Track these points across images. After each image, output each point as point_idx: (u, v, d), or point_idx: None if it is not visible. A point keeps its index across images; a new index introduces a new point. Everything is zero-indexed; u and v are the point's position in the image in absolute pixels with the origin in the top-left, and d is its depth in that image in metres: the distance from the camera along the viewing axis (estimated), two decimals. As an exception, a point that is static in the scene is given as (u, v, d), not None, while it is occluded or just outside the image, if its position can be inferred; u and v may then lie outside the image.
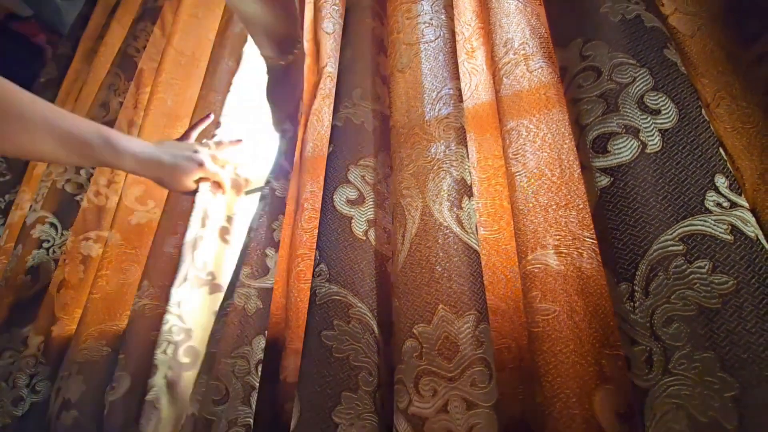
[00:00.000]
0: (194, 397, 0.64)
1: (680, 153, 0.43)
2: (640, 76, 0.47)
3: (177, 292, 0.79)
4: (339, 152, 0.68)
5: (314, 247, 0.64)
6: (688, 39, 0.56)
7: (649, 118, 0.45)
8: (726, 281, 0.37)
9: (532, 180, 0.55)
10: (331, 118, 0.75)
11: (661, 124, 0.45)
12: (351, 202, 0.64)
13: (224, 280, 0.84)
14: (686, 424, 0.35)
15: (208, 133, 0.96)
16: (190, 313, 0.80)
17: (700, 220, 0.40)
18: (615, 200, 0.44)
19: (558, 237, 0.51)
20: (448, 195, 0.56)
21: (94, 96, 1.25)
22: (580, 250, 0.50)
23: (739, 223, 0.39)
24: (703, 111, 0.45)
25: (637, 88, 0.47)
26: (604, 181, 0.45)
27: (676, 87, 0.46)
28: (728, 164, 0.43)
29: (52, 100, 1.38)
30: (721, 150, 0.43)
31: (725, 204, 0.40)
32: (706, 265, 0.38)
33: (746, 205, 0.40)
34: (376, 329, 0.56)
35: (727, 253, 0.38)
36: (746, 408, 0.33)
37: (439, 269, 0.53)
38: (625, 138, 0.46)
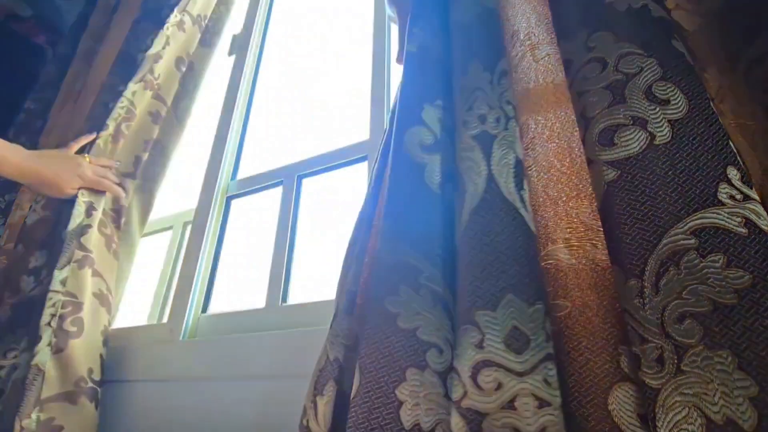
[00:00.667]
0: (335, 340, 0.57)
1: (691, 144, 0.41)
2: (647, 66, 0.46)
3: (60, 273, 0.90)
4: (412, 84, 0.59)
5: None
6: (689, 35, 0.54)
7: (657, 109, 0.44)
8: (742, 276, 0.35)
9: (542, 173, 0.52)
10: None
11: (671, 114, 0.43)
12: (425, 148, 0.55)
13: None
14: (700, 424, 0.33)
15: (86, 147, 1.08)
16: (77, 289, 0.91)
17: (713, 213, 0.38)
18: (623, 194, 0.42)
19: (569, 230, 0.49)
20: (515, 171, 0.50)
21: (94, 96, 1.24)
22: (593, 242, 0.47)
23: (753, 216, 0.37)
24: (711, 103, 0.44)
25: (645, 79, 0.45)
26: (611, 174, 0.43)
27: (685, 77, 0.45)
28: (738, 157, 0.41)
29: (51, 101, 1.37)
30: (731, 142, 0.42)
31: (738, 196, 0.38)
32: (720, 259, 0.36)
33: (758, 198, 0.39)
34: (450, 301, 0.49)
35: (742, 247, 0.36)
36: (766, 408, 0.32)
37: (506, 250, 0.46)
38: (632, 130, 0.44)
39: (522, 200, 0.48)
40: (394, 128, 0.58)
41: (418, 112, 0.56)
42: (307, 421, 0.51)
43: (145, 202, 1.15)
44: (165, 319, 1.02)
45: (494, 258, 0.46)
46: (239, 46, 1.32)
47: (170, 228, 1.21)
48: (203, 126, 1.36)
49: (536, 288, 0.44)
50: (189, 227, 1.13)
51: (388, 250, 0.50)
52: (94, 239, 0.98)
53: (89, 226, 0.97)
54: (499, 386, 0.41)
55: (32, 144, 1.33)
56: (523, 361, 0.42)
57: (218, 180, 1.13)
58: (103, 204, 1.02)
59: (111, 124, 1.07)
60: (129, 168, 1.11)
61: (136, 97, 1.11)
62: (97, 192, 1.02)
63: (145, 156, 1.14)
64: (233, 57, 1.32)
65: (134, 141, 1.12)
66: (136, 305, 1.18)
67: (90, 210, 0.99)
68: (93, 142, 1.05)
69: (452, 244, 0.51)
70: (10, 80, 1.40)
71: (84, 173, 0.98)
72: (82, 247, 0.95)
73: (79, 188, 0.99)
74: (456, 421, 0.42)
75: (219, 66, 1.38)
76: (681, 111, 0.43)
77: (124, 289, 1.10)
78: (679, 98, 0.44)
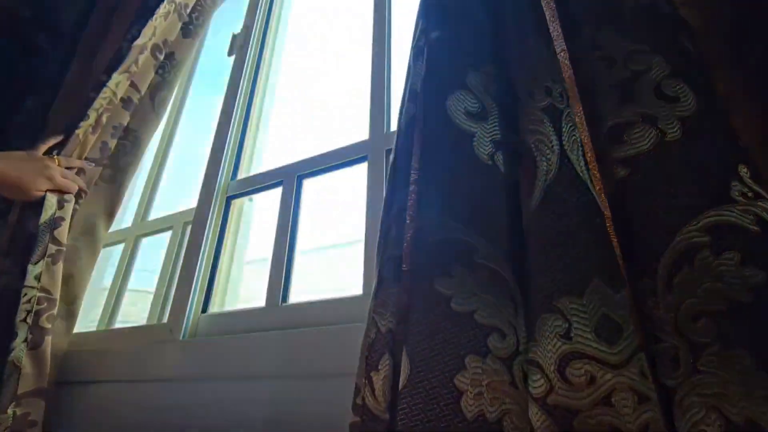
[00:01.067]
0: (384, 310, 0.50)
1: (702, 141, 0.40)
2: (656, 64, 0.44)
3: (35, 268, 0.87)
4: (453, 44, 0.53)
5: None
6: (696, 31, 0.53)
7: (667, 106, 0.42)
8: (757, 274, 0.34)
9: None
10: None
11: (681, 112, 0.42)
12: (473, 116, 0.50)
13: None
14: (719, 426, 0.32)
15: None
16: (51, 285, 0.89)
17: (726, 210, 0.37)
18: (634, 191, 0.41)
19: None
20: (582, 150, 0.45)
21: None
22: None
23: (765, 215, 0.36)
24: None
25: (654, 76, 0.44)
26: (622, 172, 0.42)
27: (694, 74, 0.43)
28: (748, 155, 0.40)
29: (51, 101, 1.35)
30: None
31: (749, 194, 0.37)
32: (734, 256, 0.35)
33: (768, 196, 0.38)
34: (512, 282, 0.45)
35: (756, 245, 0.35)
36: (789, 409, 0.31)
37: (586, 232, 0.41)
38: (642, 127, 0.42)
39: (591, 181, 0.44)
40: (426, 86, 0.52)
41: (462, 77, 0.51)
42: (363, 398, 0.47)
43: (114, 193, 1.12)
44: (165, 319, 1.00)
45: (575, 240, 0.41)
46: (239, 46, 1.30)
47: (170, 228, 1.19)
48: (203, 126, 1.34)
49: (619, 273, 0.40)
50: (189, 227, 1.11)
51: (435, 225, 0.46)
52: (65, 233, 0.95)
53: (62, 218, 0.95)
54: (592, 380, 0.37)
55: (32, 144, 1.30)
56: (617, 352, 0.37)
57: (218, 180, 1.11)
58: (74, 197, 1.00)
59: (92, 114, 1.04)
60: (95, 153, 1.07)
61: (119, 87, 1.09)
62: (67, 200, 0.99)
63: (114, 142, 1.11)
64: (233, 57, 1.30)
65: (104, 127, 1.09)
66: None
67: (62, 201, 0.97)
68: (70, 136, 1.02)
69: (512, 219, 0.47)
70: (9, 80, 1.38)
71: (53, 175, 0.95)
72: (56, 241, 0.93)
73: (46, 191, 0.96)
74: (540, 419, 0.37)
75: (219, 66, 1.36)
76: (691, 108, 0.42)
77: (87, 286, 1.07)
78: (688, 96, 0.42)
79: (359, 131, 0.99)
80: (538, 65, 0.50)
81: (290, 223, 0.97)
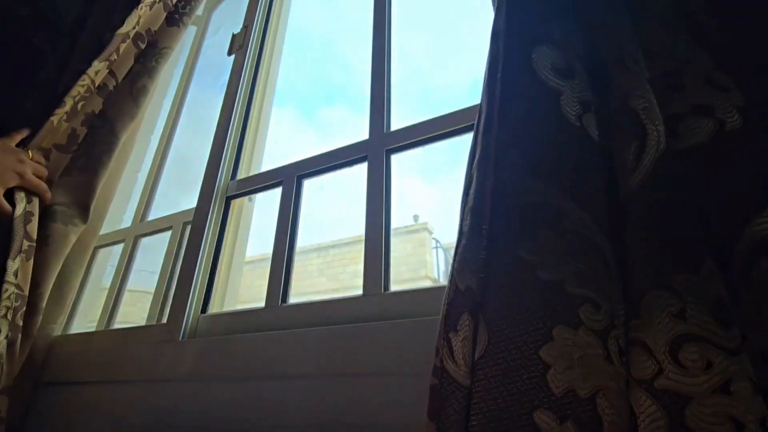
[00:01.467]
0: (463, 267, 0.45)
1: (763, 130, 0.37)
2: (701, 54, 0.41)
3: (13, 264, 0.84)
4: None
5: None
6: (713, 31, 0.50)
7: (723, 95, 0.39)
8: None
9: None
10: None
11: (736, 101, 0.39)
12: (559, 72, 0.45)
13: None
14: (824, 431, 0.29)
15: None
16: (23, 282, 0.86)
17: (797, 201, 0.34)
18: (691, 184, 0.37)
19: None
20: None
21: (93, 96, 1.19)
22: None
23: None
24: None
25: (702, 66, 0.41)
26: (677, 165, 0.38)
27: (738, 66, 0.41)
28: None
29: (51, 100, 1.31)
30: None
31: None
32: (815, 249, 0.32)
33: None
34: (607, 250, 0.41)
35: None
36: None
37: (695, 209, 0.38)
38: (696, 118, 0.39)
39: None
40: (508, 31, 0.47)
41: (548, 26, 0.47)
42: (441, 361, 0.42)
43: (87, 183, 1.04)
44: (164, 320, 0.98)
45: (684, 217, 0.37)
46: (239, 46, 1.27)
47: (170, 228, 1.16)
48: (203, 125, 1.31)
49: (726, 254, 0.36)
50: (189, 227, 1.09)
51: (519, 188, 0.42)
52: (35, 228, 0.90)
53: (32, 213, 0.89)
54: (709, 365, 0.33)
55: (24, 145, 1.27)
56: (732, 337, 0.33)
57: (218, 180, 1.08)
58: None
59: (68, 102, 0.98)
60: (63, 140, 1.01)
61: (98, 76, 1.04)
62: (32, 200, 0.91)
63: (84, 130, 1.05)
64: (233, 57, 1.27)
65: (78, 115, 1.03)
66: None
67: (30, 195, 0.91)
68: (44, 123, 0.97)
69: (606, 185, 0.42)
70: (8, 80, 1.34)
71: (24, 171, 0.87)
72: (28, 237, 0.88)
73: (15, 186, 0.88)
74: (645, 403, 0.34)
75: (219, 65, 1.34)
76: (742, 99, 0.39)
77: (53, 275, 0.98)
78: (736, 87, 0.39)
79: (359, 131, 0.97)
80: (633, 40, 0.46)
81: (290, 223, 0.94)
